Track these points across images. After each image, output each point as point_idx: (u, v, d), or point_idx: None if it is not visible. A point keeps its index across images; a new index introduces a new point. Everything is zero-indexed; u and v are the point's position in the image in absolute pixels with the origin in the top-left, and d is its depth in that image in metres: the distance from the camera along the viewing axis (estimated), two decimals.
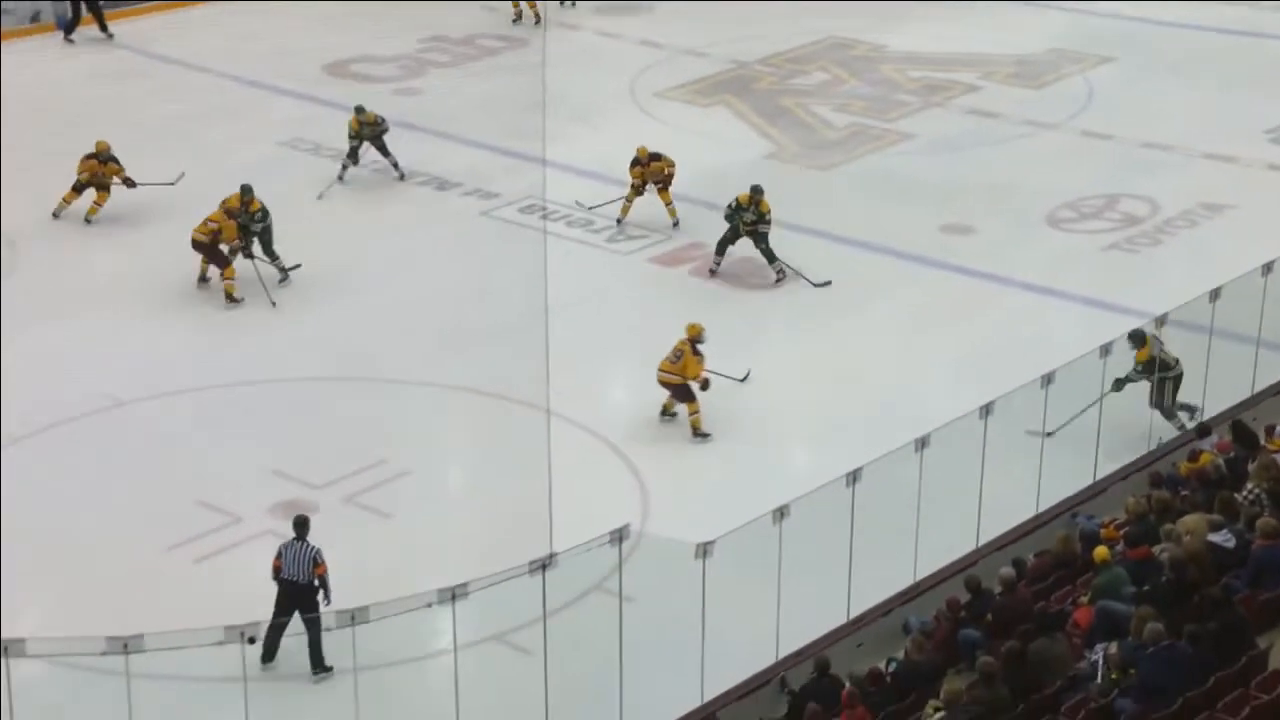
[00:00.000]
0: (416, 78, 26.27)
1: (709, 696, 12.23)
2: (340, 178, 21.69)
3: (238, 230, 18.65)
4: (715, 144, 23.35)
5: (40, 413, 16.22)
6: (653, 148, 20.79)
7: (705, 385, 16.25)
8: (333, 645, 12.49)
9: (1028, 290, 19.12)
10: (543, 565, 11.52)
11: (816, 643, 12.66)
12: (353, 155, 21.77)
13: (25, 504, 14.88)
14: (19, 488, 15.10)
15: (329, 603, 12.80)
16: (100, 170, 20.40)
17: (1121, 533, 13.16)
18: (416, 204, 21.84)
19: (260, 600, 13.22)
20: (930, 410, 14.71)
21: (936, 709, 10.99)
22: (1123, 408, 15.61)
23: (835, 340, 18.10)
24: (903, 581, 13.36)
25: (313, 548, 12.96)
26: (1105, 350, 14.90)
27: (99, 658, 10.55)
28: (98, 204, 20.44)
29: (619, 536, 11.79)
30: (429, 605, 11.24)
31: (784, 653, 12.60)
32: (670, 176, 20.58)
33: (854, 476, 12.68)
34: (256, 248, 18.97)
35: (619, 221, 20.51)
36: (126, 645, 10.43)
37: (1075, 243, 20.42)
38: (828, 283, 19.12)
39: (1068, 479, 14.61)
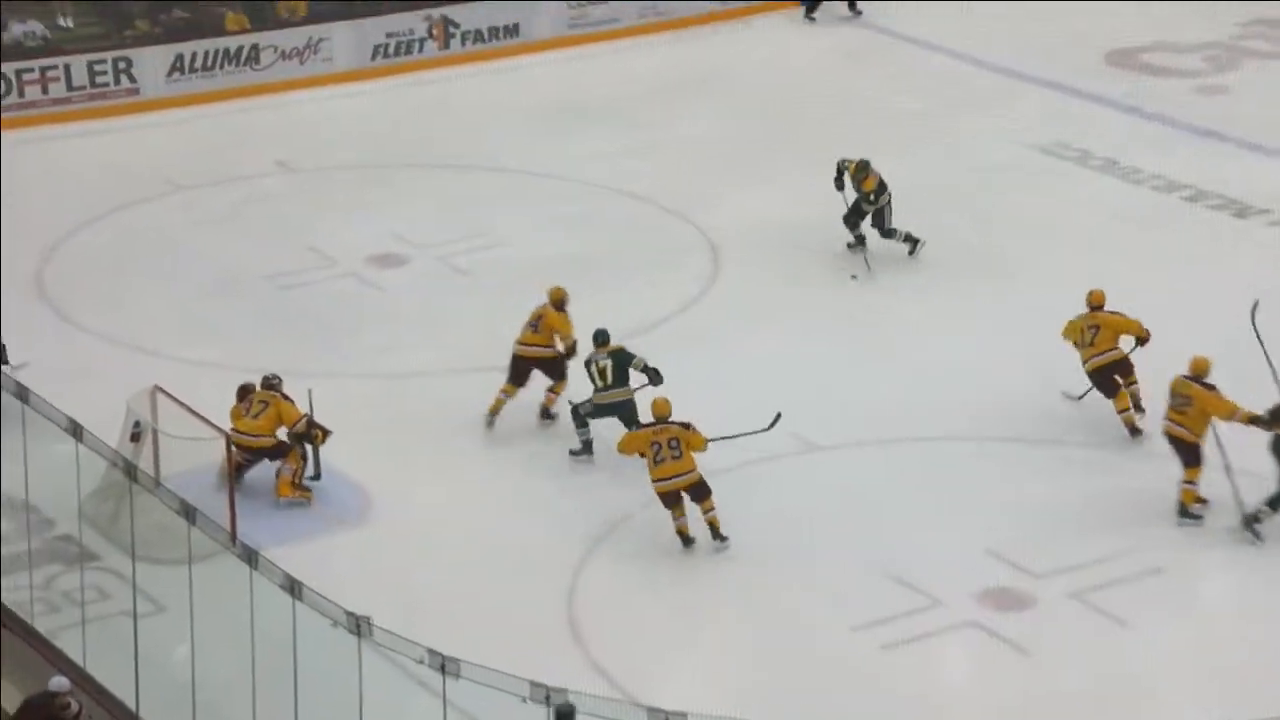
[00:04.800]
0: (1227, 72, 25.64)
1: None
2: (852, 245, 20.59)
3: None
4: None
5: (719, 448, 16.84)
6: None
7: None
8: None
9: None
10: None
11: None
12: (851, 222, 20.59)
13: (693, 546, 15.66)
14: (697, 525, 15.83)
15: None
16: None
17: None
18: (1208, 231, 21.34)
19: (958, 707, 13.20)
20: None
21: None
22: None
23: None
24: None
25: None
26: None
27: None
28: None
29: None
30: None
31: None
32: None
33: None
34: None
35: None
36: None
37: None
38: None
39: None
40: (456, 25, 26.73)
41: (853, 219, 20.48)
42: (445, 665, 11.30)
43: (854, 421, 17.49)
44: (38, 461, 14.20)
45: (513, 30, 27.05)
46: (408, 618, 13.00)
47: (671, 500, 15.64)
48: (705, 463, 16.00)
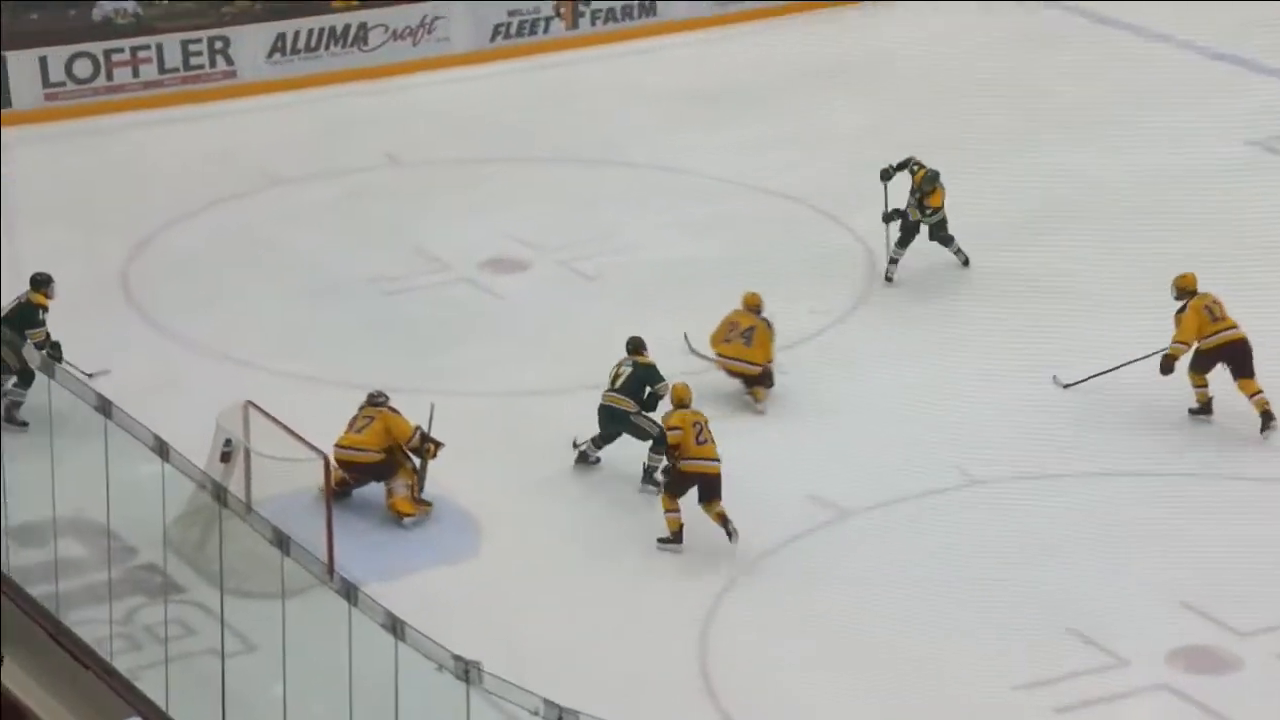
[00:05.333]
0: None
1: None
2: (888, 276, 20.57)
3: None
4: None
5: (873, 481, 17.02)
6: None
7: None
8: None
9: None
10: None
11: None
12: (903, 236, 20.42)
13: (840, 588, 15.68)
14: (831, 567, 15.95)
15: None
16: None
17: None
18: None
19: None
20: None
21: None
22: None
23: None
24: None
25: None
26: None
27: None
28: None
29: None
30: None
31: None
32: None
33: None
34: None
35: None
36: None
37: None
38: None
39: None
40: (586, 3, 26.82)
41: (907, 236, 20.23)
42: (563, 718, 11.29)
43: (1017, 454, 17.43)
44: (120, 483, 14.33)
45: (649, 9, 27.11)
46: (521, 663, 13.14)
47: (688, 486, 16.04)
48: (860, 501, 16.18)
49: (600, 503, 16.93)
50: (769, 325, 18.12)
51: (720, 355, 18.15)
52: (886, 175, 20.32)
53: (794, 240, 21.57)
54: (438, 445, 16.59)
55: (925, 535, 16.43)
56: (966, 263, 20.52)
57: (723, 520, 16.08)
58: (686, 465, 16.13)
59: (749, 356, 18.03)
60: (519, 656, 14.23)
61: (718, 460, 16.11)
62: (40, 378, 16.12)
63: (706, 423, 16.22)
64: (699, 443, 16.11)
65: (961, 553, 16.14)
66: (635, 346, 17.34)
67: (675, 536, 16.19)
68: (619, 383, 17.10)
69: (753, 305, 18.22)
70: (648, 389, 17.05)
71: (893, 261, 20.40)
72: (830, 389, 18.41)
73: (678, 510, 16.17)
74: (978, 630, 15.20)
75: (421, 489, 16.63)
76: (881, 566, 15.95)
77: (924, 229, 20.29)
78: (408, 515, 16.50)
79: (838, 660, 15.04)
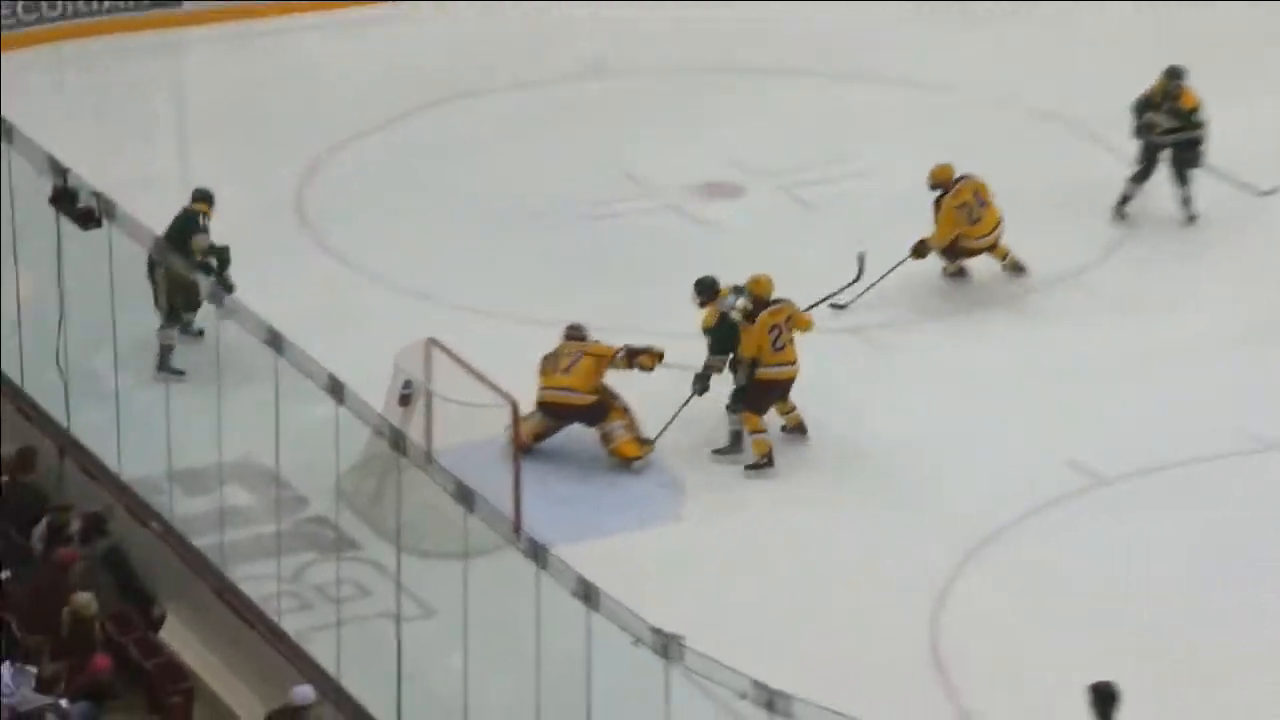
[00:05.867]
0: None
1: None
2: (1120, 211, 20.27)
3: None
4: None
5: (1137, 445, 16.98)
6: None
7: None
8: None
9: None
10: None
11: None
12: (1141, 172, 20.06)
13: (1096, 563, 15.67)
14: (1086, 540, 15.95)
15: None
16: None
17: None
18: None
19: None
20: None
21: None
22: None
23: None
24: None
25: None
26: None
27: None
28: None
29: None
30: None
31: None
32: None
33: None
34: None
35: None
36: None
37: None
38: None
39: None
40: None
41: (1151, 154, 19.82)
42: (773, 702, 11.30)
43: None
44: (290, 426, 14.51)
45: None
46: (728, 640, 13.10)
47: (770, 398, 16.66)
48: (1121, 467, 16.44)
49: (820, 463, 16.93)
50: (978, 179, 18.73)
51: (973, 240, 18.74)
52: (1145, 127, 19.77)
53: (1053, 167, 21.38)
54: (654, 354, 16.86)
55: (1198, 506, 16.37)
56: (1193, 219, 20.04)
57: (798, 425, 16.76)
58: (764, 373, 16.54)
59: (992, 223, 18.76)
60: (725, 632, 14.23)
61: (794, 363, 16.63)
62: (206, 308, 16.38)
63: (787, 319, 16.65)
64: (776, 349, 16.53)
65: (1238, 527, 16.07)
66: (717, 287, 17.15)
67: (766, 459, 16.51)
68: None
69: (945, 178, 18.79)
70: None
71: (1124, 199, 20.11)
72: (1078, 339, 18.34)
73: (765, 430, 16.53)
74: (1258, 616, 15.15)
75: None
76: (1145, 540, 15.91)
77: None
78: (635, 458, 16.73)
79: (1096, 648, 14.88)
